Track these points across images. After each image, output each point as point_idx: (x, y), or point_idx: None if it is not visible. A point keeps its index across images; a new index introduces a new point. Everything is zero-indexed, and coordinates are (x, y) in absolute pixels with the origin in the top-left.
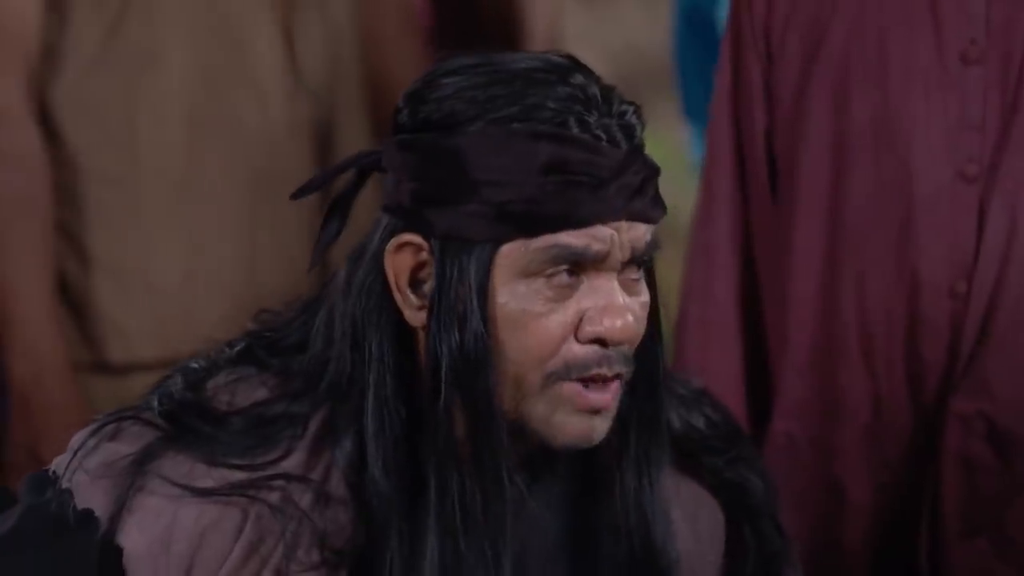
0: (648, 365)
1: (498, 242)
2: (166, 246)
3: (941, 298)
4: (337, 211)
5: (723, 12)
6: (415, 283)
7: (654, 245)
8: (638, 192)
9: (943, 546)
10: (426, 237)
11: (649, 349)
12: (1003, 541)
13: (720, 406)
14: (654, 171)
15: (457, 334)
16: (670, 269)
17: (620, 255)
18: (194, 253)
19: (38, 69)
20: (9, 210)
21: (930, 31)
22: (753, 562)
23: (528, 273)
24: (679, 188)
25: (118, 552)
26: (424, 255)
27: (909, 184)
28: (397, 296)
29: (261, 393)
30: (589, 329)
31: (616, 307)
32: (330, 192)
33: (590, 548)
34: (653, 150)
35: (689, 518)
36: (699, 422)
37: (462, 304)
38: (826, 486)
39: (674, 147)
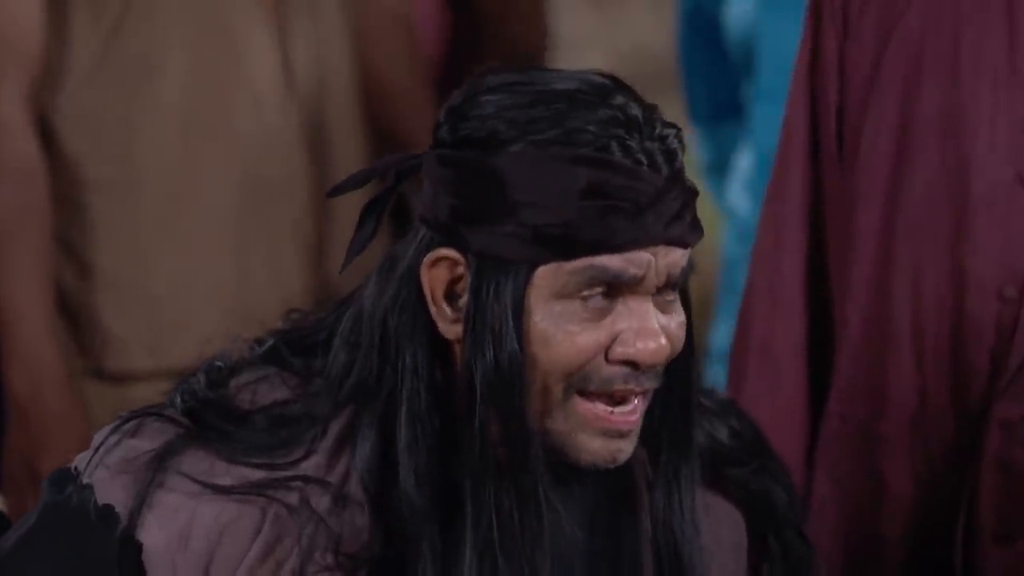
0: (682, 384)
1: (534, 264)
2: (162, 255)
3: (989, 300)
4: (371, 215)
5: (726, 13)
6: (450, 296)
7: (690, 268)
8: (676, 217)
9: (978, 548)
10: (463, 253)
11: (683, 368)
12: None
13: (745, 417)
14: (692, 195)
15: (492, 351)
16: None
17: (656, 279)
18: (190, 262)
19: (38, 79)
20: (8, 221)
21: (1004, 29)
22: (779, 573)
23: (564, 295)
24: None
25: (138, 548)
26: (460, 269)
27: (968, 180)
28: (432, 309)
29: (282, 393)
30: (621, 350)
31: (650, 330)
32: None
33: (620, 565)
34: None
35: (713, 530)
36: (723, 434)
37: (497, 322)
38: (869, 474)
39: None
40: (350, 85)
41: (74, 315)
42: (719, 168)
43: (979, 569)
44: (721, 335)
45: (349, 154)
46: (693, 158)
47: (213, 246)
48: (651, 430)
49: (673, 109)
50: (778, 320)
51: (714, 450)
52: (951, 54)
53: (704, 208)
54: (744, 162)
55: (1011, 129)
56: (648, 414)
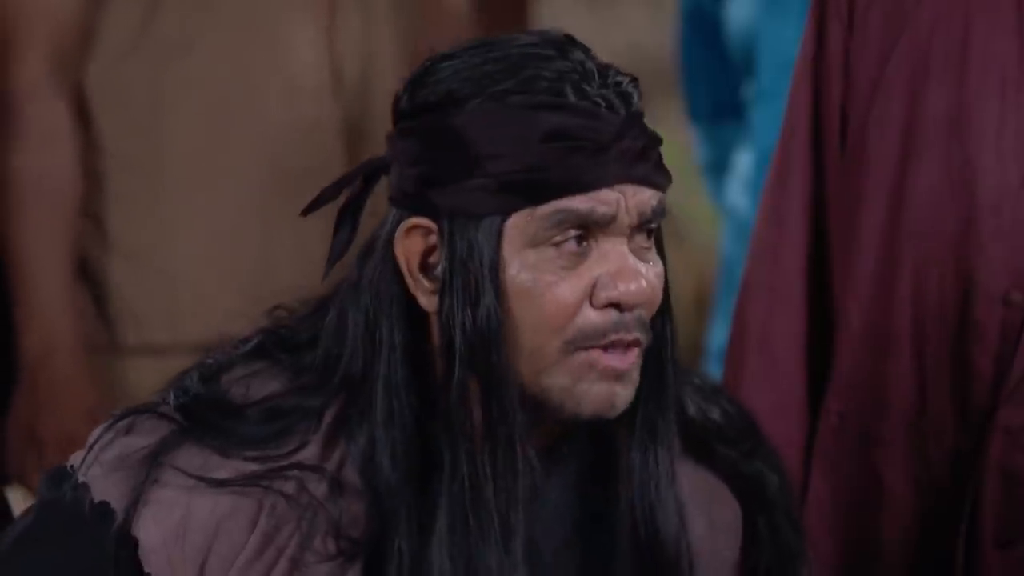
0: (657, 338)
1: (505, 213)
2: (184, 233)
3: (994, 305)
4: (347, 219)
5: (727, 10)
6: (426, 267)
7: (661, 211)
8: (640, 157)
9: (979, 553)
10: (434, 219)
11: (659, 322)
12: None
13: (735, 401)
14: (655, 140)
15: (470, 311)
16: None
17: (627, 219)
18: (211, 242)
19: (73, 50)
20: (31, 185)
21: (1013, 32)
22: (768, 555)
23: (537, 242)
24: (684, 189)
25: (134, 544)
26: (433, 238)
27: (974, 183)
28: (409, 281)
29: (274, 387)
30: (603, 294)
31: (629, 270)
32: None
33: (603, 531)
34: None
35: (704, 510)
36: (715, 413)
37: (474, 280)
38: (867, 475)
39: (679, 148)
40: (398, 81)
41: (95, 286)
42: (719, 167)
43: (980, 574)
44: (720, 334)
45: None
46: (693, 157)
47: (236, 227)
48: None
49: (669, 109)
50: (777, 314)
51: (706, 427)
52: (959, 54)
53: (703, 207)
54: (743, 162)
55: (1018, 132)
56: None
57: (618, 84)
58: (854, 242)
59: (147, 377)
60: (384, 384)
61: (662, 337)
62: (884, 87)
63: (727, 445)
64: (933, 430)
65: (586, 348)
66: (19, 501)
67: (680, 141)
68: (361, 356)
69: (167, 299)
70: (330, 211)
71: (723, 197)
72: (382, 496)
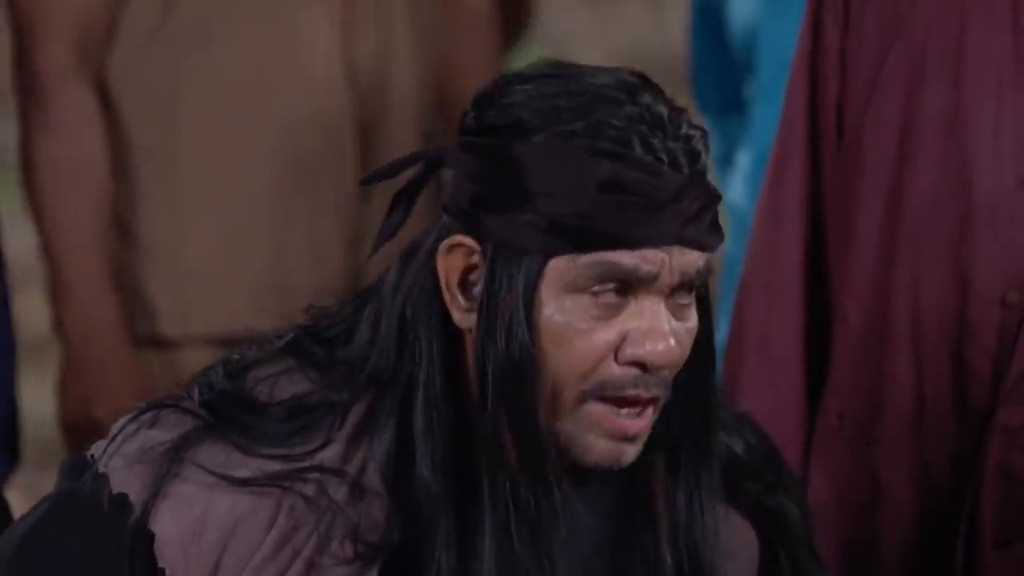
0: (702, 390)
1: (548, 255)
2: (197, 225)
3: (991, 305)
4: (402, 203)
5: (730, 7)
6: (465, 284)
7: (706, 271)
8: (694, 219)
9: (978, 553)
10: (479, 241)
11: (703, 374)
12: None
13: (759, 431)
14: (714, 198)
15: (503, 341)
16: None
17: (669, 279)
18: (226, 235)
19: (99, 38)
20: (65, 172)
21: (1009, 32)
22: None
23: (575, 288)
24: None
25: (150, 538)
26: (475, 258)
27: (971, 184)
28: (446, 295)
29: (302, 386)
30: (630, 351)
31: (660, 331)
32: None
33: (633, 561)
34: None
35: (727, 543)
36: (738, 447)
37: (508, 313)
38: (866, 475)
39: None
40: (414, 79)
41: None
42: (727, 161)
43: (980, 574)
44: (723, 333)
45: (400, 150)
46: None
47: (251, 220)
48: (671, 437)
49: None
50: (775, 313)
51: (730, 464)
52: (955, 55)
53: None
54: (745, 159)
55: (1015, 132)
56: (667, 421)
57: (688, 139)
58: (851, 241)
59: (157, 369)
60: (423, 395)
61: (707, 387)
62: (881, 87)
63: (750, 480)
64: (932, 430)
65: (603, 399)
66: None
67: None
68: (392, 358)
69: (179, 291)
70: (344, 204)
71: (726, 194)
72: (416, 505)
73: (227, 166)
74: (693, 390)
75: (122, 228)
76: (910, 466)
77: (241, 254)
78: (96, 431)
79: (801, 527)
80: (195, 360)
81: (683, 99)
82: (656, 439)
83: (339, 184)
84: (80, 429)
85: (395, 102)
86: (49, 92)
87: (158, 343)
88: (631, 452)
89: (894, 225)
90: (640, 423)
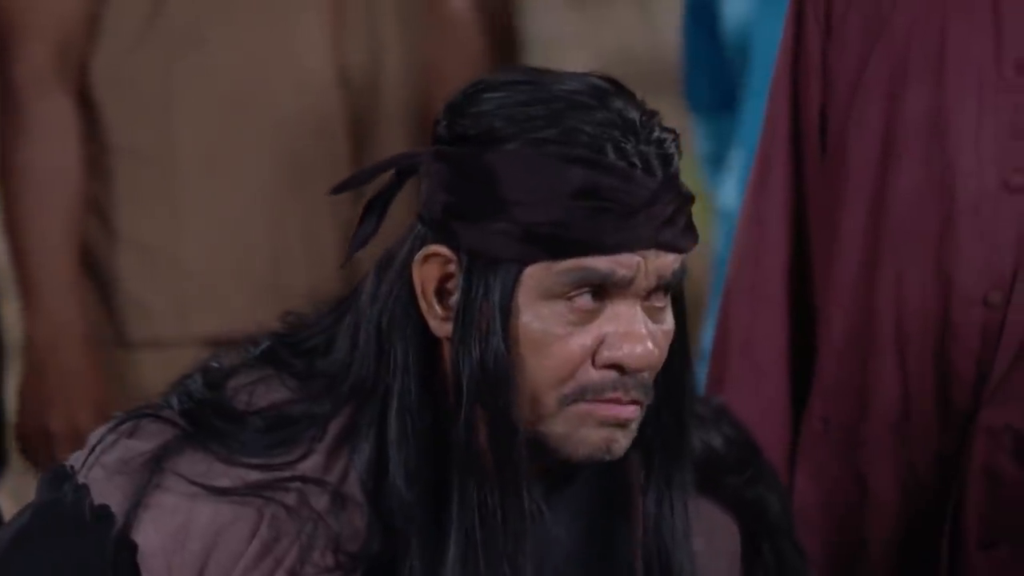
0: (675, 392)
1: (523, 262)
2: (194, 226)
3: (973, 306)
4: (373, 211)
5: (724, 6)
6: (441, 293)
7: (681, 273)
8: (669, 222)
9: (963, 554)
10: (454, 250)
11: (677, 375)
12: (1023, 551)
13: (739, 425)
14: (687, 200)
15: (479, 350)
16: None
17: (645, 283)
18: (221, 235)
19: (78, 42)
20: (37, 179)
21: (990, 34)
22: None
23: (551, 295)
24: None
25: (133, 549)
26: (451, 267)
27: (953, 186)
28: (423, 305)
29: (280, 394)
30: (607, 354)
31: (636, 334)
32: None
33: (607, 569)
34: None
35: (707, 538)
36: (717, 442)
37: (485, 321)
38: (852, 477)
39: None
40: (404, 82)
41: (101, 280)
42: (718, 160)
43: (964, 575)
44: (712, 335)
45: (392, 149)
46: (693, 149)
47: (246, 221)
48: (645, 437)
49: (661, 108)
50: (760, 318)
51: (709, 459)
52: (936, 57)
53: (697, 205)
54: (737, 159)
55: (997, 134)
56: (642, 423)
57: (661, 142)
58: (835, 245)
59: (154, 371)
60: (398, 404)
61: (680, 389)
62: (863, 91)
63: (729, 474)
64: (916, 432)
65: (583, 401)
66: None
67: None
68: (372, 369)
69: (175, 292)
70: (339, 204)
71: (718, 194)
72: (391, 514)
73: (222, 168)
74: (667, 392)
75: (112, 232)
76: (895, 468)
77: (237, 255)
78: (47, 442)
79: (782, 518)
80: (191, 361)
81: (673, 100)
82: (633, 442)
83: (333, 183)
84: (33, 439)
85: (387, 103)
86: (27, 99)
87: (155, 344)
88: (622, 440)
89: (877, 227)
90: (628, 409)
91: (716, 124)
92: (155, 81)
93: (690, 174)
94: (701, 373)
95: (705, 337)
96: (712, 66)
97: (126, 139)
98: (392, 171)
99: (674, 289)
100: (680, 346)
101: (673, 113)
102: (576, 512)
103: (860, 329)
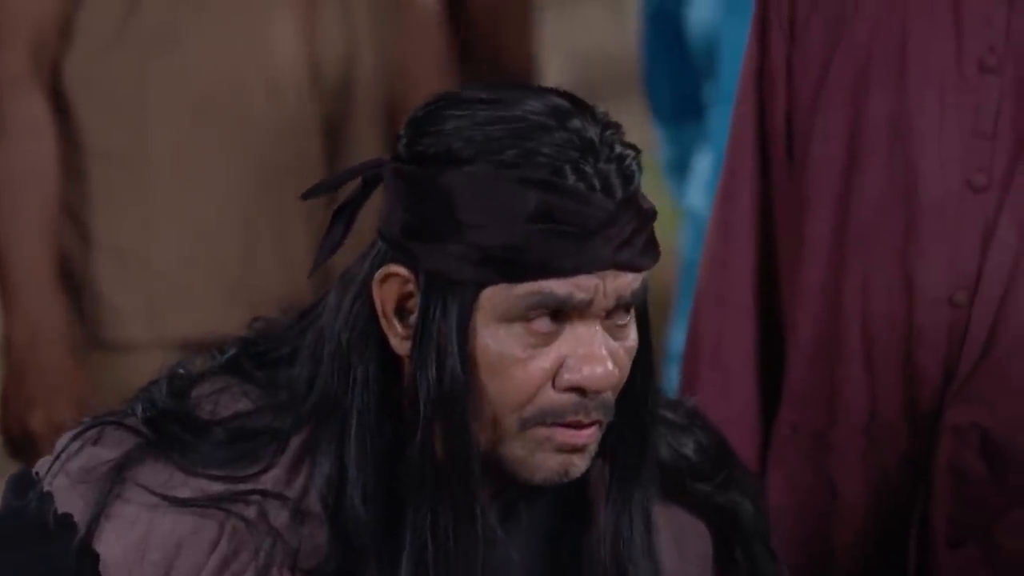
0: (639, 408)
1: (481, 285)
2: (166, 229)
3: (939, 307)
4: (341, 218)
5: (689, 12)
6: (402, 312)
7: (642, 292)
8: (627, 242)
9: (931, 553)
10: (412, 270)
11: (639, 390)
12: (991, 549)
13: (711, 428)
14: (646, 218)
15: (436, 371)
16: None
17: (604, 303)
18: (194, 238)
19: (52, 43)
20: (15, 180)
21: (951, 34)
22: None
23: (509, 317)
24: (646, 193)
25: (95, 558)
26: (410, 287)
27: (917, 187)
28: (383, 322)
29: (244, 404)
30: (567, 377)
31: (596, 356)
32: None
33: None
34: None
35: (678, 543)
36: (688, 449)
37: (443, 342)
38: (822, 482)
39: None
40: (376, 82)
41: (74, 282)
42: (681, 167)
43: (933, 573)
44: (679, 337)
45: (365, 152)
46: (657, 158)
47: (218, 223)
48: (606, 453)
49: (631, 112)
50: (728, 326)
51: (680, 466)
52: (898, 61)
53: (662, 208)
54: (703, 164)
55: (960, 135)
56: (604, 438)
57: (622, 159)
58: (801, 250)
59: (126, 373)
60: (358, 422)
61: (642, 403)
62: (826, 94)
63: (701, 480)
64: (885, 435)
65: (543, 425)
66: None
67: (640, 142)
68: (334, 385)
69: (147, 294)
70: (312, 206)
71: (685, 197)
72: (350, 531)
73: (194, 169)
74: (630, 407)
75: (86, 235)
76: (865, 471)
77: (209, 257)
78: (32, 441)
79: (756, 522)
80: (164, 364)
81: (644, 101)
82: (595, 457)
83: (305, 185)
84: (16, 438)
85: (360, 104)
86: (3, 100)
87: (127, 347)
88: (578, 464)
89: (843, 232)
90: (584, 434)
91: (678, 132)
92: (128, 83)
93: (655, 179)
94: (670, 374)
95: (674, 339)
96: (673, 75)
97: (99, 141)
98: (360, 178)
99: (638, 304)
100: (644, 361)
101: (644, 115)
102: (535, 531)
103: (827, 334)
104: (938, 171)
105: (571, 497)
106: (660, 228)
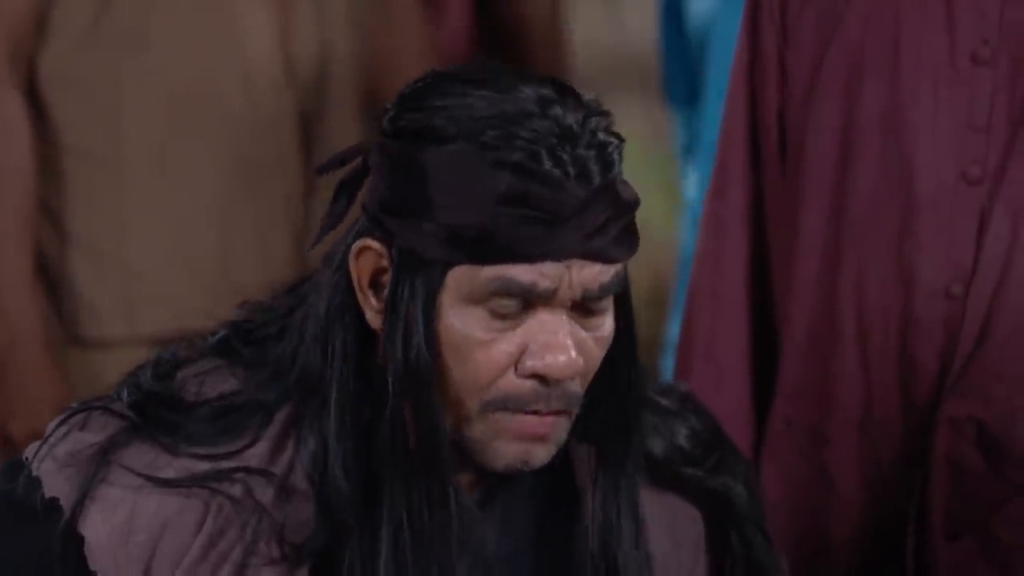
0: (620, 394)
1: (448, 264)
2: (143, 226)
3: (936, 299)
4: (343, 193)
5: (689, 3)
6: (376, 286)
7: (612, 285)
8: (599, 231)
9: (929, 546)
10: (386, 245)
11: (621, 378)
12: (988, 541)
13: (703, 412)
14: (625, 208)
15: (402, 348)
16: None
17: (569, 294)
18: (171, 235)
19: (27, 42)
20: None
21: (943, 27)
22: (742, 569)
23: (474, 299)
24: (638, 184)
25: (80, 541)
26: (384, 261)
27: (912, 180)
28: (359, 295)
29: (230, 385)
30: (529, 363)
31: (558, 344)
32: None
33: (557, 567)
34: None
35: (670, 528)
36: (681, 436)
37: (410, 319)
38: (817, 476)
39: (635, 143)
40: (352, 74)
41: (51, 280)
42: (689, 151)
43: (930, 567)
44: (678, 328)
45: (345, 143)
46: (669, 151)
47: (195, 220)
48: (592, 442)
49: (626, 104)
50: (721, 321)
51: (670, 455)
52: (891, 52)
53: (659, 199)
54: (699, 155)
55: (954, 127)
56: (586, 425)
57: (603, 146)
58: (796, 245)
59: (104, 370)
60: (337, 395)
61: (624, 390)
62: (820, 89)
63: (693, 466)
64: (880, 426)
65: (504, 411)
66: None
67: (638, 133)
68: (317, 359)
69: (124, 292)
70: (289, 201)
71: (685, 185)
72: (333, 506)
73: (170, 166)
74: (613, 397)
75: (63, 232)
76: (860, 464)
77: (186, 254)
78: (12, 451)
79: (750, 506)
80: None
81: (639, 94)
82: (579, 444)
83: (282, 180)
84: None
85: (336, 98)
86: None
87: (104, 344)
88: (540, 454)
89: (838, 225)
90: (546, 423)
91: (691, 117)
92: (103, 80)
93: (663, 175)
94: (668, 364)
95: (672, 329)
96: (682, 60)
97: (75, 139)
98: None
99: (617, 292)
100: (624, 350)
101: (639, 107)
102: (521, 518)
103: (822, 328)
104: (932, 164)
105: (559, 486)
106: (656, 221)
